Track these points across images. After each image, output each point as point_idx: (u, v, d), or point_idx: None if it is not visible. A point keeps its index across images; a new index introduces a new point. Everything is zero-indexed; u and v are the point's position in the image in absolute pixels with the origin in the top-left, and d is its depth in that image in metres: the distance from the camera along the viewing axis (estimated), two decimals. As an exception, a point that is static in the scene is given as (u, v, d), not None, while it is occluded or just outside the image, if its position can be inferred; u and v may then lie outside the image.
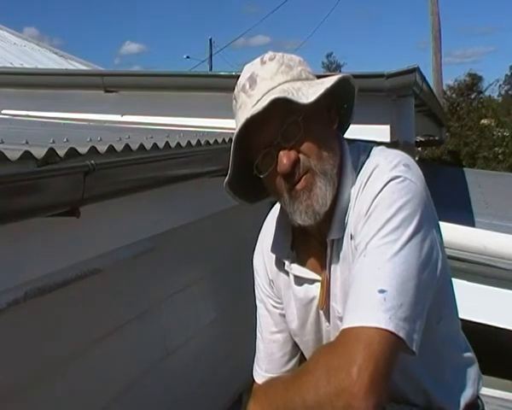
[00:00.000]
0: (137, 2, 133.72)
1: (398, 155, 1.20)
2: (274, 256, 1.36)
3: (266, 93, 1.18)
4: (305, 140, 1.18)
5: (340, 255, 1.21)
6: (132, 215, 1.92)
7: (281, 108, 1.15)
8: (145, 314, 2.42)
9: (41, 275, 1.57)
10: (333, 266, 1.23)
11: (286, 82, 1.20)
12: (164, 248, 2.40)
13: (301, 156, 1.18)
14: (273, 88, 1.19)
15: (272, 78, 1.20)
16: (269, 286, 1.41)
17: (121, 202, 1.75)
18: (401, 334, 1.03)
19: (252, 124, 1.16)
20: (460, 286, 3.20)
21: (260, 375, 1.43)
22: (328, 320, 1.28)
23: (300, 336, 1.36)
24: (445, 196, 6.21)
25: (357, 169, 1.21)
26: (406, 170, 1.16)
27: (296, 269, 1.31)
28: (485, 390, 1.37)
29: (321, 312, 1.29)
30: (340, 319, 1.18)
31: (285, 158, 1.16)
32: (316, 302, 1.28)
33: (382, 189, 1.13)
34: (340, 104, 1.28)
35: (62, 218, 1.45)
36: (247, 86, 1.21)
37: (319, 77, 1.28)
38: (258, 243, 1.45)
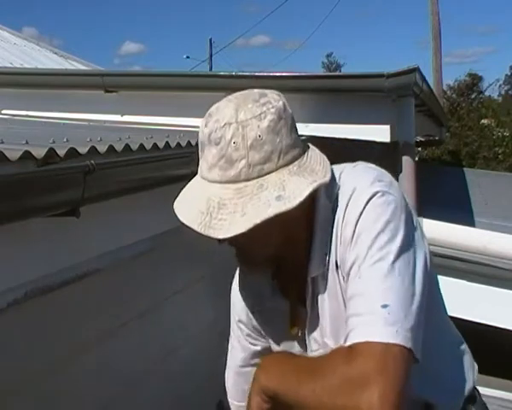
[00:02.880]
0: (137, 2, 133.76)
1: (370, 172, 1.18)
2: (255, 287, 1.33)
3: (202, 184, 1.14)
4: (239, 242, 1.13)
5: (327, 289, 1.18)
6: (132, 215, 1.92)
7: None
8: (145, 314, 2.42)
9: (41, 275, 1.57)
10: (320, 301, 1.20)
11: (218, 183, 1.10)
12: (164, 248, 2.40)
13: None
14: (206, 182, 1.12)
15: (210, 169, 1.11)
16: (246, 320, 1.39)
17: (121, 202, 1.75)
18: (409, 345, 1.03)
19: None
20: (460, 286, 3.22)
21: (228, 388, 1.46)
22: (312, 349, 1.26)
23: None
24: (445, 196, 6.21)
25: (335, 195, 1.17)
26: (383, 184, 1.14)
27: (277, 300, 1.28)
28: (485, 390, 1.37)
29: (307, 341, 1.26)
30: None
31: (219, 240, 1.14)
32: (299, 333, 1.27)
33: (364, 208, 1.11)
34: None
35: (62, 218, 1.45)
36: (199, 149, 1.15)
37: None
38: (237, 274, 1.42)
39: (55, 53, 9.66)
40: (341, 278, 1.15)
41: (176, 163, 2.01)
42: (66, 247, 1.62)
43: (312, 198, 1.15)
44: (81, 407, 2.00)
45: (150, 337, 2.48)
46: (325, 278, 1.18)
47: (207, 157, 1.11)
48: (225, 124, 1.09)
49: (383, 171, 1.21)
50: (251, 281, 1.32)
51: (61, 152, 1.42)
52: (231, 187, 1.08)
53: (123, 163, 1.69)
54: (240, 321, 1.41)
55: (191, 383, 2.79)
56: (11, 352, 1.67)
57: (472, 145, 15.52)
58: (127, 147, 1.75)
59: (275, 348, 1.35)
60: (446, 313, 1.33)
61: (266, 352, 1.38)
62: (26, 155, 1.31)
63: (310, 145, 1.19)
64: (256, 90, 1.16)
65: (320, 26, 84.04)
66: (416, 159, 5.31)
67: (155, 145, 1.92)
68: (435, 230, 3.42)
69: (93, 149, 1.55)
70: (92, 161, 1.45)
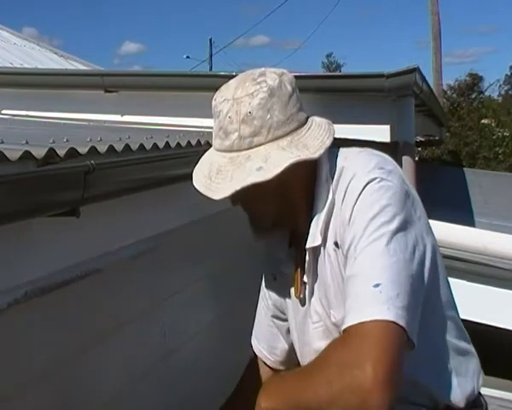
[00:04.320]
0: (137, 1, 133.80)
1: (372, 159, 1.23)
2: (273, 253, 1.42)
3: (211, 151, 1.28)
4: (246, 201, 1.27)
5: (329, 264, 1.24)
6: (132, 215, 1.92)
7: None
8: (145, 314, 2.42)
9: (41, 275, 1.57)
10: (323, 274, 1.25)
11: (218, 151, 1.24)
12: (164, 248, 2.40)
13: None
14: (212, 149, 1.27)
15: (214, 138, 1.26)
16: (269, 283, 1.47)
17: (121, 202, 1.75)
18: (401, 322, 1.04)
19: None
20: (460, 286, 3.22)
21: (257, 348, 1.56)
22: (313, 321, 1.30)
23: (293, 335, 1.41)
24: (445, 196, 6.21)
25: (337, 176, 1.23)
26: (381, 172, 1.18)
27: (290, 266, 1.35)
28: (485, 390, 1.37)
29: (307, 311, 1.31)
30: (336, 324, 1.22)
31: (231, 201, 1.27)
32: (303, 301, 1.33)
33: (361, 193, 1.16)
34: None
35: (62, 218, 1.45)
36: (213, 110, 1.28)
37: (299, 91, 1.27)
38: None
39: (55, 53, 9.66)
40: (342, 256, 1.19)
41: (176, 163, 2.01)
42: (67, 247, 1.62)
43: (314, 175, 1.24)
44: (82, 407, 2.00)
45: (150, 337, 2.48)
46: (326, 253, 1.23)
47: (214, 127, 1.26)
48: (224, 100, 1.23)
49: (387, 158, 1.24)
50: (270, 247, 1.43)
51: (61, 152, 1.42)
52: (227, 156, 1.21)
53: (123, 163, 1.69)
54: (265, 282, 1.52)
55: (191, 383, 2.79)
56: (11, 352, 1.67)
57: (472, 145, 15.53)
58: (127, 147, 1.75)
59: (288, 317, 1.44)
60: (457, 313, 1.33)
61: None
62: (26, 155, 1.31)
63: (315, 120, 1.28)
64: (259, 70, 1.27)
65: (320, 26, 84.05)
66: (416, 159, 5.31)
67: (155, 145, 1.92)
68: (435, 230, 3.41)
69: (93, 149, 1.55)
70: (92, 161, 1.45)
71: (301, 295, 1.32)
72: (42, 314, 1.78)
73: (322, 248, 1.23)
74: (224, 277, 3.09)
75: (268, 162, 1.15)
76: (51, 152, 1.39)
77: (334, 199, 1.21)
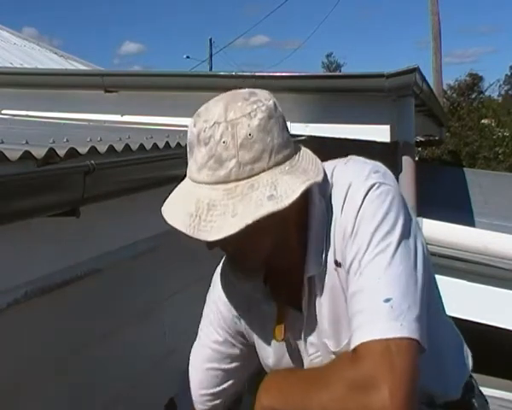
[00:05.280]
0: (137, 1, 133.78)
1: (365, 166, 1.17)
2: (244, 293, 1.28)
3: (190, 186, 1.09)
4: (230, 245, 1.11)
5: (325, 289, 1.16)
6: (132, 215, 1.92)
7: None
8: (145, 314, 2.42)
9: (41, 275, 1.57)
10: (317, 303, 1.18)
11: (207, 184, 1.05)
12: (164, 248, 2.40)
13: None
14: (195, 184, 1.08)
15: (199, 170, 1.07)
16: (230, 323, 1.36)
17: (121, 202, 1.75)
18: (415, 336, 1.02)
19: None
20: (460, 286, 3.22)
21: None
22: (309, 353, 1.23)
23: (269, 364, 1.32)
24: (445, 196, 6.21)
25: (329, 194, 1.16)
26: (378, 175, 1.13)
27: (270, 304, 1.25)
28: (485, 390, 1.37)
29: (302, 345, 1.24)
30: (336, 354, 1.17)
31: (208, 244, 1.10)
32: (294, 337, 1.24)
33: (362, 202, 1.10)
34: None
35: (62, 218, 1.45)
36: (188, 150, 1.11)
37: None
38: (219, 276, 1.37)
39: (55, 53, 9.66)
40: (344, 273, 1.13)
41: (176, 163, 2.01)
42: (67, 247, 1.62)
43: (305, 198, 1.14)
44: (82, 407, 2.00)
45: (150, 337, 2.48)
46: (322, 278, 1.16)
47: (197, 158, 1.07)
48: (214, 123, 1.07)
49: (376, 162, 1.19)
50: (240, 286, 1.27)
51: (61, 152, 1.42)
52: (221, 188, 1.05)
53: (123, 163, 1.69)
54: (222, 321, 1.39)
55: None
56: (11, 352, 1.67)
57: (472, 145, 15.52)
58: (127, 147, 1.76)
59: (263, 354, 1.31)
60: (442, 303, 1.33)
61: (244, 358, 1.37)
62: (26, 155, 1.31)
63: (301, 146, 1.17)
64: (245, 89, 1.13)
65: (320, 26, 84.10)
66: (416, 159, 5.32)
67: (155, 145, 1.92)
68: (435, 230, 3.42)
69: (93, 149, 1.55)
70: (92, 161, 1.45)
71: (290, 339, 1.23)
72: (42, 314, 1.78)
73: (316, 277, 1.17)
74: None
75: (278, 189, 1.04)
76: (51, 152, 1.39)
77: (330, 220, 1.14)
